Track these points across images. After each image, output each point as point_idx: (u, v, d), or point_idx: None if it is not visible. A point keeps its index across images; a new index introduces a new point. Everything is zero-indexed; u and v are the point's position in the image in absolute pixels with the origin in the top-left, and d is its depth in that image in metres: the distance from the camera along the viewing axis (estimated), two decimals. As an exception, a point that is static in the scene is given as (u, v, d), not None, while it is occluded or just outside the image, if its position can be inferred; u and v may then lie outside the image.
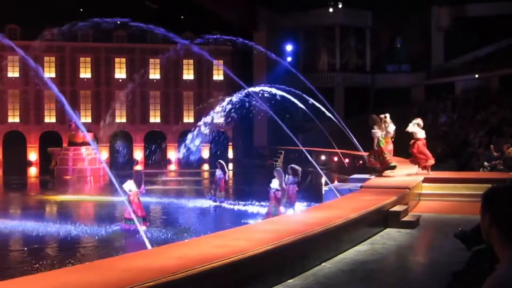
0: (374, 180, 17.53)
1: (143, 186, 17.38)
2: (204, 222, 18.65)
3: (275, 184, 17.84)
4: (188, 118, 57.11)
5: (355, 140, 22.98)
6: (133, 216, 16.00)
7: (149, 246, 9.70)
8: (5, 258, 13.69)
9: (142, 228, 16.17)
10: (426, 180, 17.08)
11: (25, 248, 15.09)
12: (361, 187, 15.49)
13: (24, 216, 20.35)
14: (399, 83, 57.05)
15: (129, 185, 16.65)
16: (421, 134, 18.48)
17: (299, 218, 11.02)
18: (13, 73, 54.23)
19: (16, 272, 11.97)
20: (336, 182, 25.03)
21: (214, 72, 58.48)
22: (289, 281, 8.08)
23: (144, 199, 22.18)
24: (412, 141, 18.44)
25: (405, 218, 12.56)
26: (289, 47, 56.89)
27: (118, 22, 18.72)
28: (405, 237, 11.25)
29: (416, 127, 18.36)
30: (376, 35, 59.84)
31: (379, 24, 58.64)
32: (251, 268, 7.44)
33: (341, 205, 12.40)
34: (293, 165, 19.27)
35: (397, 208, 12.60)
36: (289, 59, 53.81)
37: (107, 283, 5.81)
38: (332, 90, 54.42)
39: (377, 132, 18.08)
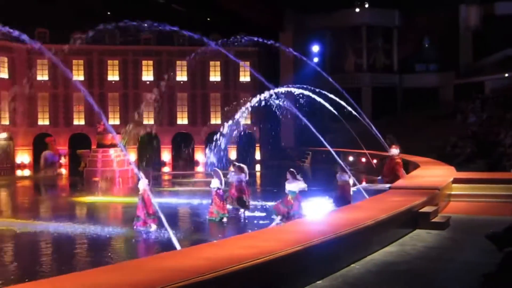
0: (403, 180, 17.40)
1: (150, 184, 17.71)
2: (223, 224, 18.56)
3: (214, 183, 18.54)
4: (215, 120, 57.29)
5: (383, 140, 22.85)
6: (141, 214, 16.43)
7: (178, 246, 9.73)
8: (36, 259, 13.86)
9: (153, 227, 16.45)
10: (456, 181, 16.90)
11: (56, 249, 15.26)
12: (389, 188, 15.37)
13: (54, 217, 20.57)
14: (427, 83, 56.62)
15: (142, 184, 17.04)
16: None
17: (328, 219, 10.98)
18: (42, 76, 54.93)
19: (47, 272, 12.12)
20: (364, 183, 24.91)
21: (241, 73, 58.60)
22: (317, 282, 8.05)
23: (172, 200, 22.27)
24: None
25: (435, 219, 12.43)
26: (315, 48, 56.80)
27: (146, 25, 18.84)
28: (435, 239, 11.13)
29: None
30: (404, 35, 59.40)
31: (406, 23, 58.27)
32: (280, 269, 7.42)
33: (369, 206, 12.32)
34: (240, 164, 19.79)
35: (426, 209, 12.47)
36: (316, 59, 53.68)
37: (138, 284, 5.84)
38: (359, 91, 54.16)
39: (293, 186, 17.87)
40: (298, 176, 17.19)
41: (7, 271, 12.59)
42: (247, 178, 20.11)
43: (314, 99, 23.87)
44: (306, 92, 23.52)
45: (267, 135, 58.26)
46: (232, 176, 20.18)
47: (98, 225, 17.76)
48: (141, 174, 17.50)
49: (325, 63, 54.80)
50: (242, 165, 20.22)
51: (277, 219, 16.90)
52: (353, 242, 9.34)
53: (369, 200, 13.98)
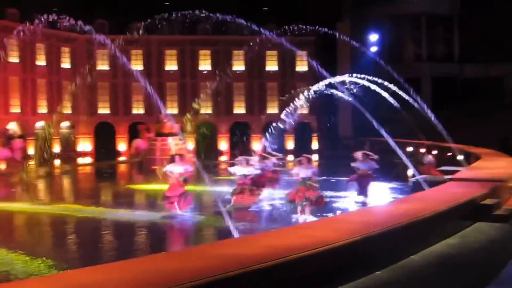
0: (464, 172, 17.05)
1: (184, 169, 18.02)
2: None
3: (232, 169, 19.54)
4: (272, 109, 57.32)
5: (443, 131, 22.44)
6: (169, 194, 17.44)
7: (236, 234, 9.80)
8: (97, 243, 14.18)
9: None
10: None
11: (115, 234, 15.60)
12: (450, 179, 15.08)
13: (113, 203, 21.03)
14: (489, 72, 55.16)
15: (171, 168, 18.00)
16: None
17: (387, 209, 10.85)
18: (102, 66, 56.01)
19: (106, 258, 12.40)
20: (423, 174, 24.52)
21: (298, 63, 58.39)
22: (376, 273, 7.98)
23: (228, 189, 22.32)
24: None
25: (498, 212, 12.12)
26: (374, 37, 56.06)
27: (203, 15, 19.04)
28: (497, 232, 10.87)
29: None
30: (465, 23, 58.02)
31: (467, 11, 56.88)
32: (338, 259, 7.39)
33: (429, 197, 12.12)
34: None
35: (488, 201, 12.18)
36: (374, 49, 53.02)
37: (197, 270, 5.90)
38: (418, 80, 53.22)
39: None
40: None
41: (69, 255, 12.95)
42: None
43: (372, 88, 23.61)
44: (364, 82, 23.28)
45: (325, 125, 58.04)
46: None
47: (156, 212, 18.05)
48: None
49: (384, 52, 54.05)
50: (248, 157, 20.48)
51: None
52: (412, 233, 9.21)
53: (429, 191, 13.74)
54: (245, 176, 19.10)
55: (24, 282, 8.42)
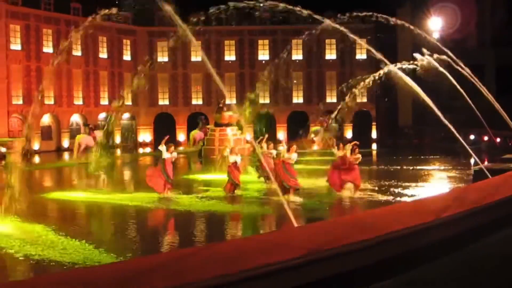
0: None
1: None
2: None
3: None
4: (331, 98, 56.94)
5: (508, 119, 21.81)
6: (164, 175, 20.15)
7: (295, 223, 9.72)
8: (158, 234, 14.37)
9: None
10: None
11: (176, 223, 15.81)
12: (514, 167, 14.65)
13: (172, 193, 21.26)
14: None
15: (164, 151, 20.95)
16: None
17: (445, 198, 10.61)
18: (162, 57, 56.74)
19: (168, 245, 12.56)
20: (486, 162, 23.96)
21: (357, 51, 57.76)
22: (435, 262, 7.82)
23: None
24: None
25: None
26: (435, 22, 54.76)
27: (262, 5, 19.02)
28: None
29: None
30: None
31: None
32: (397, 248, 7.28)
33: (491, 186, 11.79)
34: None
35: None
36: (436, 35, 51.81)
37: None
38: (482, 67, 51.72)
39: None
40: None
41: (132, 244, 13.17)
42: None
43: (433, 76, 23.13)
44: (425, 70, 22.80)
45: (384, 113, 57.26)
46: None
47: (213, 200, 18.22)
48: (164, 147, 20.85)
49: (446, 39, 52.77)
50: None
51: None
52: (470, 224, 8.98)
53: (491, 180, 13.38)
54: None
55: (92, 268, 8.64)
